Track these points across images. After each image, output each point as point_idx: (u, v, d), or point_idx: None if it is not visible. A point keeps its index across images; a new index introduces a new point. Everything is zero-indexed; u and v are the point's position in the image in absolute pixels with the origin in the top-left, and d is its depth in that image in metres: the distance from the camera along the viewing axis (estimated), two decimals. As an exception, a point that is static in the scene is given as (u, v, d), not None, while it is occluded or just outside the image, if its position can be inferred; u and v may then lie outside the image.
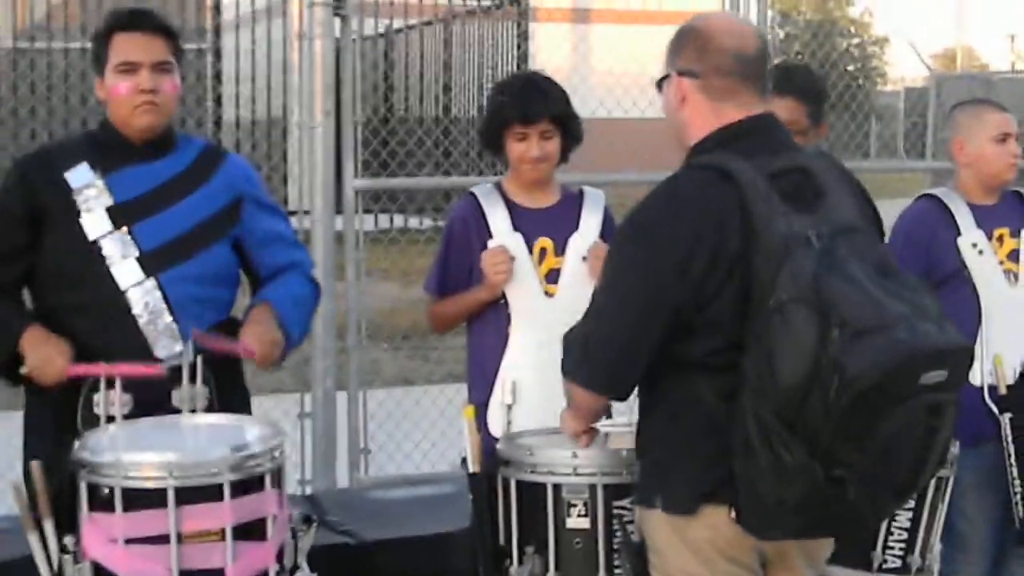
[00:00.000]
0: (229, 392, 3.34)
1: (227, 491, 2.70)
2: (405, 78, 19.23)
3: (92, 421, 3.12)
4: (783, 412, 2.45)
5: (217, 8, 16.18)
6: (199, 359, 3.11)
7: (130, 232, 3.24)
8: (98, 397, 3.10)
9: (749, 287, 2.55)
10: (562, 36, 18.98)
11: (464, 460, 3.71)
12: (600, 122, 5.61)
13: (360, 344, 5.71)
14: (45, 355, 3.13)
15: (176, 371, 3.14)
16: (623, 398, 2.84)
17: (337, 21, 5.51)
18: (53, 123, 14.81)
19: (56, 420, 3.22)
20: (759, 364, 2.49)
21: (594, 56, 17.13)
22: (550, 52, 16.75)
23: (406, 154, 8.16)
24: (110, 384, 3.08)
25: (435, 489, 5.49)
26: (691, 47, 2.80)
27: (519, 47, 17.63)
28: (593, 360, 2.72)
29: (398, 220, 10.76)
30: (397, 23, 17.57)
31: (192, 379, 3.10)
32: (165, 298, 3.23)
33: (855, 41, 44.98)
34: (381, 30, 16.66)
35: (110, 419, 3.07)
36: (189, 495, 2.68)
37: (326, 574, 3.17)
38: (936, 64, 21.58)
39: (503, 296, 3.61)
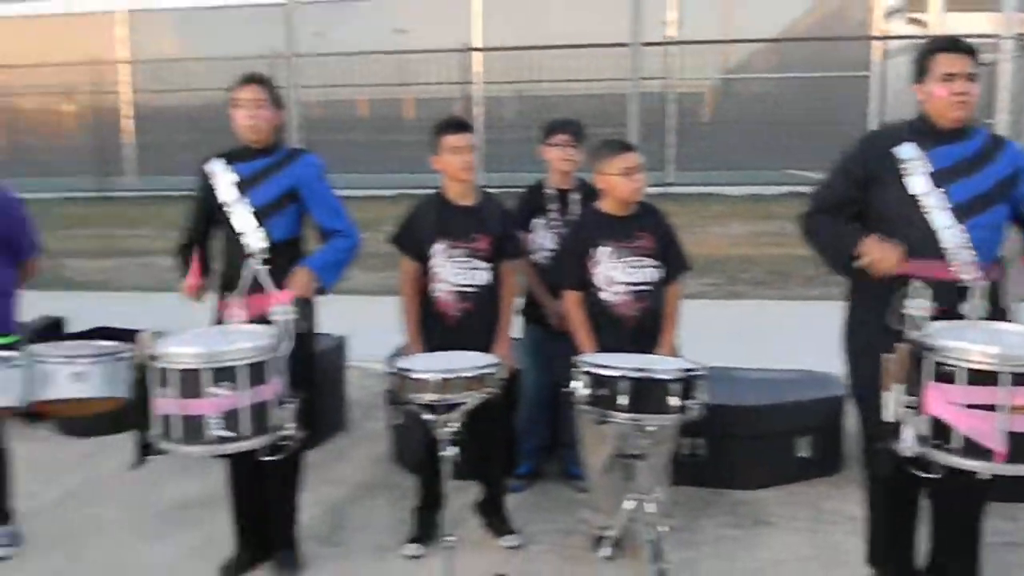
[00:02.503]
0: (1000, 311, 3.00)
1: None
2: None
3: (900, 320, 2.86)
4: None
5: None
6: (989, 284, 2.83)
7: (945, 191, 2.95)
8: (908, 302, 2.85)
9: None
10: None
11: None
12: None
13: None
14: (882, 252, 2.90)
15: (963, 291, 2.86)
16: None
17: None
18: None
19: (873, 317, 3.00)
20: None
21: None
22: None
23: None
24: (920, 294, 2.82)
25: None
26: None
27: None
28: None
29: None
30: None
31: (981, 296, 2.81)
32: (968, 238, 2.92)
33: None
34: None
35: (910, 320, 2.81)
36: (1020, 379, 2.39)
37: None
38: None
39: None
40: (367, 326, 6.14)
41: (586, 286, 3.53)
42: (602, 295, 3.50)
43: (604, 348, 3.41)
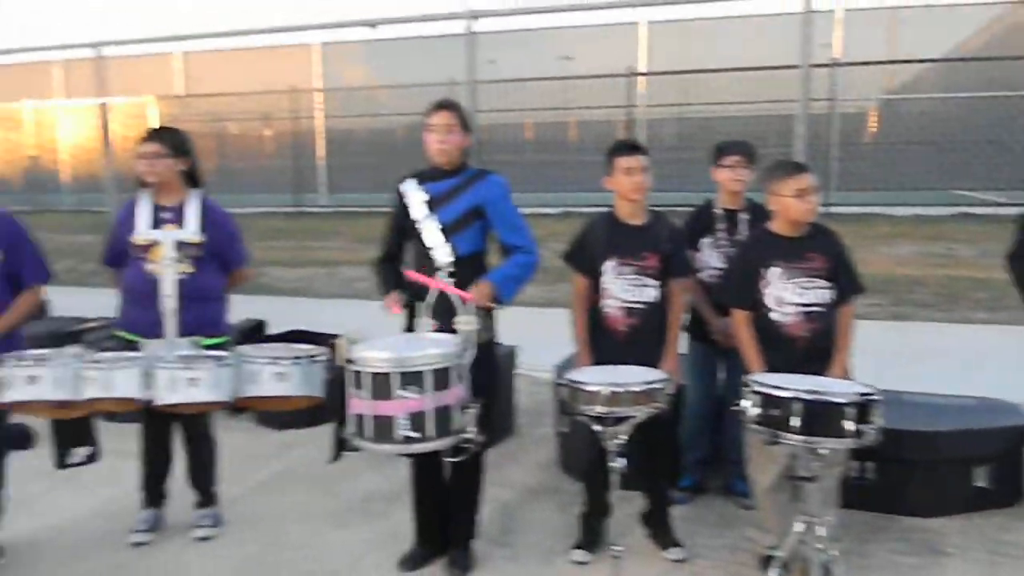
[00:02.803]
0: None
1: None
2: None
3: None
4: None
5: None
6: None
7: None
8: None
9: None
10: None
11: None
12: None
13: None
14: None
15: None
16: None
17: None
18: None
19: None
20: None
21: None
22: None
23: None
24: None
25: None
26: None
27: None
28: None
29: None
30: None
31: None
32: None
33: None
34: None
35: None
36: None
37: None
38: None
39: None
40: (535, 336, 6.16)
41: (755, 306, 3.39)
42: (772, 315, 3.35)
43: (773, 368, 3.26)
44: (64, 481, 4.38)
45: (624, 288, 3.49)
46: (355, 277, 10.43)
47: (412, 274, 3.37)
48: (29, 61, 20.12)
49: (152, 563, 3.63)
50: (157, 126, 3.93)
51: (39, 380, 3.24)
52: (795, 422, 2.75)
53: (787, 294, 3.33)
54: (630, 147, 3.54)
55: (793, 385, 2.82)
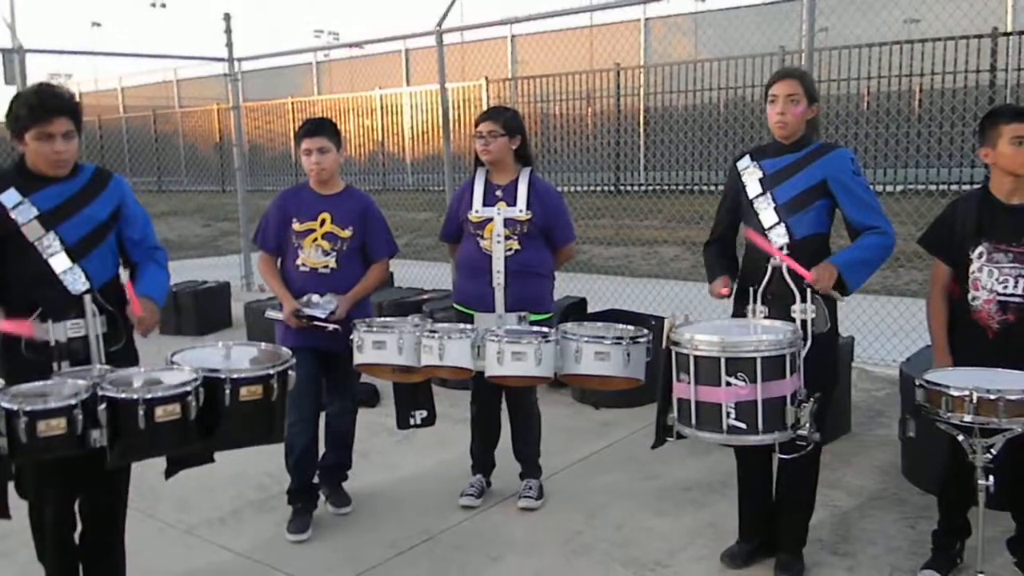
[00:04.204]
0: None
1: None
2: None
3: None
4: None
5: None
6: None
7: None
8: None
9: None
10: None
11: None
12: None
13: None
14: None
15: None
16: None
17: None
18: None
19: None
20: None
21: None
22: None
23: None
24: None
25: None
26: None
27: None
28: None
29: None
30: None
31: None
32: None
33: None
34: None
35: None
36: None
37: None
38: None
39: None
40: (872, 327, 5.65)
41: None
42: None
43: None
44: (404, 440, 4.73)
45: (998, 279, 3.02)
46: (673, 256, 10.30)
47: (755, 236, 3.14)
48: (380, 52, 22.23)
49: (480, 527, 3.79)
50: (492, 106, 4.05)
51: (385, 346, 3.49)
52: None
53: None
54: (1019, 112, 3.04)
55: None
